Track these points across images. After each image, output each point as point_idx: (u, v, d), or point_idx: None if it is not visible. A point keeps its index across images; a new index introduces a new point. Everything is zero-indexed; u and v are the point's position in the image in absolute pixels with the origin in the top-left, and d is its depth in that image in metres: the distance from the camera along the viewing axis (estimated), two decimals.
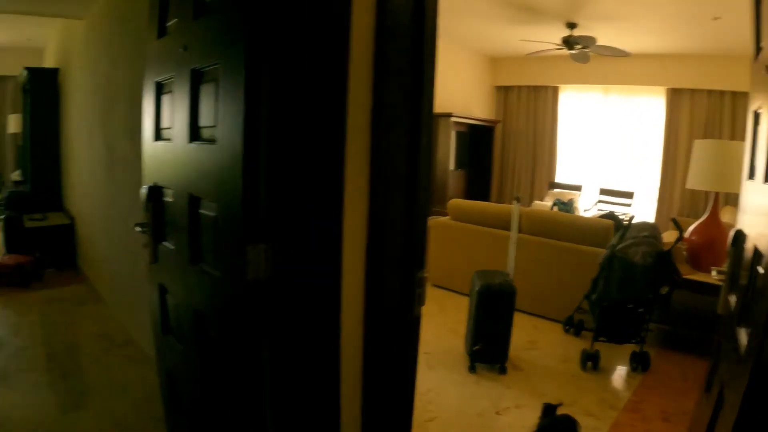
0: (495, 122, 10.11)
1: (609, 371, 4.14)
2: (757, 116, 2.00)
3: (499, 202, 9.94)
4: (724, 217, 5.05)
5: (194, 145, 1.89)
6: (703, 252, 4.38)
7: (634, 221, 4.25)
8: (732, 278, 1.90)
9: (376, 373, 1.75)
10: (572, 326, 4.78)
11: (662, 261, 3.93)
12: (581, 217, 6.04)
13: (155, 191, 2.34)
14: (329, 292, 1.59)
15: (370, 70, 1.59)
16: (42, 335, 4.52)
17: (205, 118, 1.84)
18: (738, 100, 8.02)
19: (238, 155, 1.55)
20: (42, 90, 7.00)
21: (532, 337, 4.67)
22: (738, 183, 2.61)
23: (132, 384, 3.64)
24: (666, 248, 4.00)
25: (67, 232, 6.46)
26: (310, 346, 1.63)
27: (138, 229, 2.42)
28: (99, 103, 4.92)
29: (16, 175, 8.64)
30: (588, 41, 6.87)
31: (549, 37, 7.30)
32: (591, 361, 4.06)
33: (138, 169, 3.76)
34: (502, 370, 3.96)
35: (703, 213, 4.64)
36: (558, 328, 4.90)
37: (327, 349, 1.63)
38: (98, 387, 3.64)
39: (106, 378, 3.75)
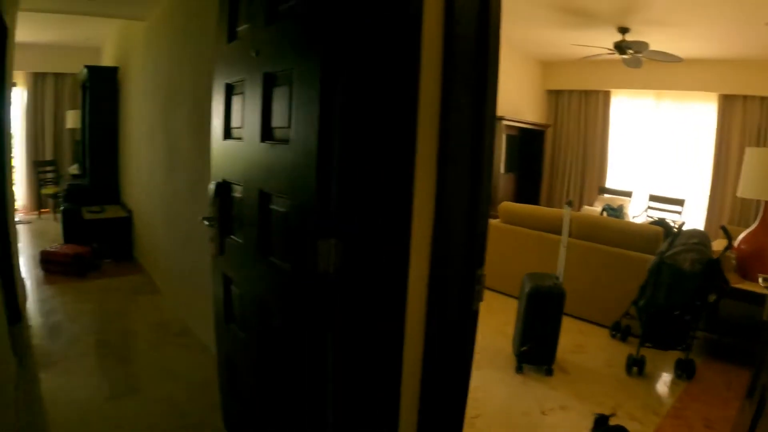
0: (546, 126, 10.04)
1: (654, 377, 4.13)
2: None
3: (548, 206, 9.84)
4: None
5: (266, 144, 2.00)
6: (752, 261, 4.33)
7: (683, 228, 4.23)
8: None
9: (435, 364, 1.83)
10: (619, 332, 4.77)
11: (711, 269, 3.90)
12: (631, 223, 6.01)
13: (223, 187, 2.46)
14: (396, 285, 1.68)
15: (438, 76, 1.66)
16: (99, 322, 4.71)
17: (277, 119, 1.94)
18: None
19: (312, 155, 1.65)
20: (101, 87, 7.28)
21: (578, 341, 4.68)
22: None
23: (187, 371, 3.77)
24: (715, 256, 3.98)
25: (125, 225, 6.71)
26: (374, 337, 1.71)
27: (205, 222, 2.54)
28: (160, 102, 5.10)
29: (73, 169, 8.93)
30: (640, 46, 6.82)
31: (601, 41, 7.26)
32: (636, 367, 4.05)
33: (200, 165, 3.91)
34: (549, 372, 3.99)
35: (753, 222, 4.59)
36: (604, 333, 4.89)
37: (391, 339, 1.72)
38: (154, 373, 3.77)
39: (161, 365, 3.88)
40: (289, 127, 1.83)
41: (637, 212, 8.99)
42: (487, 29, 1.76)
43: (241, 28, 2.37)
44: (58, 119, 9.78)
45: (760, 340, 2.42)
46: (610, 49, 7.15)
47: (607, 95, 9.85)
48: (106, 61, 8.75)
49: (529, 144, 9.75)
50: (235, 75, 2.38)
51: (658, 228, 4.91)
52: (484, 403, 3.53)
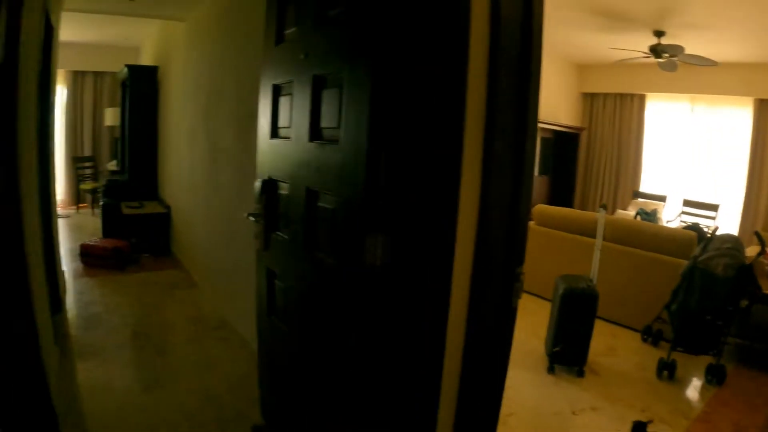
0: (580, 129, 10.00)
1: (684, 382, 4.14)
2: None
3: (582, 209, 9.82)
4: None
5: (314, 143, 2.08)
6: None
7: (717, 233, 4.23)
8: None
9: (474, 357, 1.89)
10: (650, 336, 4.77)
11: (744, 274, 3.90)
12: (665, 227, 5.99)
13: (269, 184, 2.55)
14: (441, 279, 1.75)
15: (484, 81, 1.73)
16: (137, 315, 4.83)
17: (326, 120, 2.02)
18: None
19: (362, 154, 1.73)
20: (141, 86, 7.48)
21: (610, 344, 4.70)
22: None
23: (225, 364, 3.87)
24: (748, 261, 3.97)
25: (163, 220, 6.87)
26: (418, 329, 1.78)
27: (251, 218, 2.63)
28: (202, 101, 5.22)
29: (112, 165, 9.15)
30: (675, 50, 6.78)
31: (636, 44, 7.23)
32: (667, 371, 4.07)
33: (243, 163, 4.01)
34: (580, 373, 4.02)
35: None
36: (636, 336, 4.90)
37: (434, 332, 1.79)
38: (192, 365, 3.88)
39: (199, 357, 3.99)
40: (338, 127, 1.90)
41: (671, 217, 8.92)
42: (530, 36, 1.81)
43: (289, 31, 2.44)
44: (97, 116, 10.01)
45: None
46: (646, 53, 7.12)
47: (642, 99, 9.78)
48: (145, 60, 8.95)
49: (563, 147, 9.74)
50: (282, 77, 2.46)
51: (692, 232, 4.91)
52: (516, 401, 3.58)
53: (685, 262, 4.25)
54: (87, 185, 9.54)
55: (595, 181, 10.47)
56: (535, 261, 5.80)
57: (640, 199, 9.22)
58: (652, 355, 4.38)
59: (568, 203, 9.72)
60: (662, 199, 9.15)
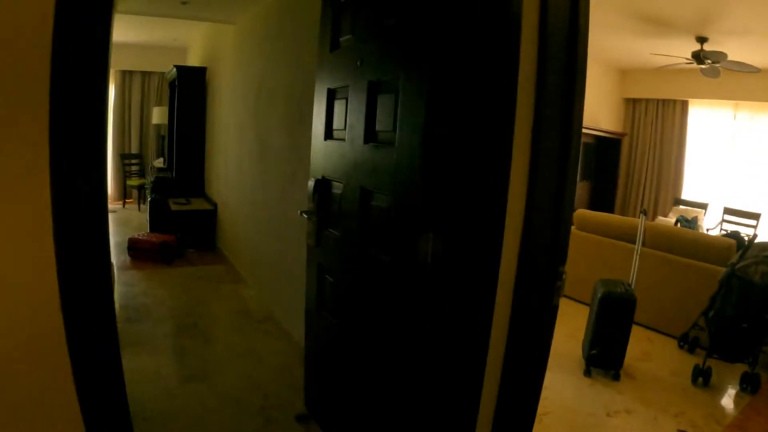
0: (622, 135, 9.95)
1: (719, 389, 4.14)
2: None
3: (622, 214, 9.75)
4: None
5: (369, 145, 2.20)
6: None
7: (756, 241, 4.23)
8: None
9: (516, 352, 1.99)
10: (687, 342, 4.77)
11: None
12: (705, 235, 5.97)
13: (322, 184, 2.68)
14: (488, 275, 1.85)
15: (532, 88, 1.82)
16: (183, 307, 4.99)
17: (381, 123, 2.14)
18: None
19: (416, 157, 1.85)
20: (190, 86, 7.68)
21: (646, 349, 4.72)
22: None
23: (270, 355, 4.01)
24: None
25: (209, 217, 7.08)
26: (465, 323, 1.89)
27: (304, 216, 2.77)
28: (251, 101, 5.39)
29: (158, 162, 9.42)
30: (718, 56, 6.74)
31: (679, 50, 7.20)
32: (702, 377, 4.08)
33: (293, 162, 4.15)
34: (616, 377, 4.07)
35: None
36: (672, 343, 4.91)
37: (479, 326, 1.89)
38: (237, 355, 4.02)
39: (245, 348, 4.13)
40: (393, 130, 2.02)
41: (712, 225, 8.83)
42: (576, 43, 1.90)
43: (344, 38, 2.57)
44: (144, 115, 10.31)
45: None
46: (688, 59, 7.10)
47: (684, 105, 9.67)
48: (192, 60, 9.17)
49: (604, 152, 9.71)
50: (337, 81, 2.59)
51: (731, 240, 4.91)
52: (552, 402, 3.65)
53: (723, 270, 4.26)
54: (134, 181, 9.83)
55: (636, 187, 10.38)
56: (575, 265, 5.81)
57: (681, 206, 9.14)
58: (688, 362, 4.40)
59: (609, 209, 9.65)
60: (703, 206, 9.05)
